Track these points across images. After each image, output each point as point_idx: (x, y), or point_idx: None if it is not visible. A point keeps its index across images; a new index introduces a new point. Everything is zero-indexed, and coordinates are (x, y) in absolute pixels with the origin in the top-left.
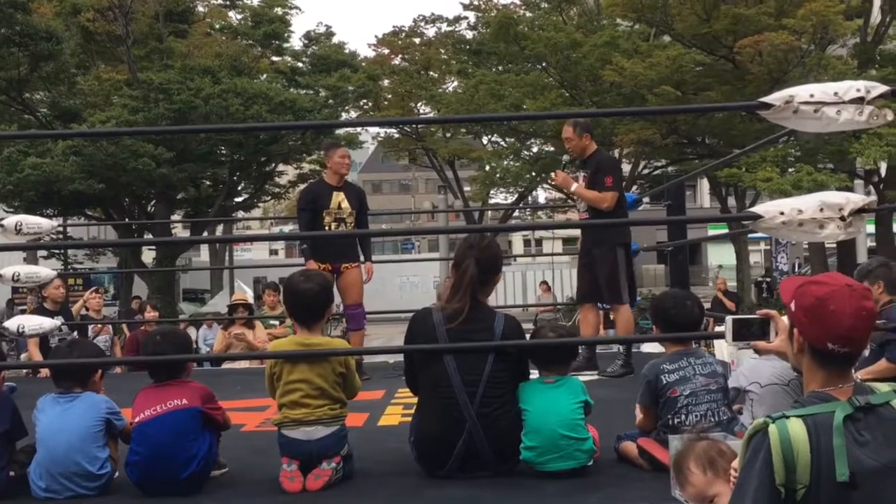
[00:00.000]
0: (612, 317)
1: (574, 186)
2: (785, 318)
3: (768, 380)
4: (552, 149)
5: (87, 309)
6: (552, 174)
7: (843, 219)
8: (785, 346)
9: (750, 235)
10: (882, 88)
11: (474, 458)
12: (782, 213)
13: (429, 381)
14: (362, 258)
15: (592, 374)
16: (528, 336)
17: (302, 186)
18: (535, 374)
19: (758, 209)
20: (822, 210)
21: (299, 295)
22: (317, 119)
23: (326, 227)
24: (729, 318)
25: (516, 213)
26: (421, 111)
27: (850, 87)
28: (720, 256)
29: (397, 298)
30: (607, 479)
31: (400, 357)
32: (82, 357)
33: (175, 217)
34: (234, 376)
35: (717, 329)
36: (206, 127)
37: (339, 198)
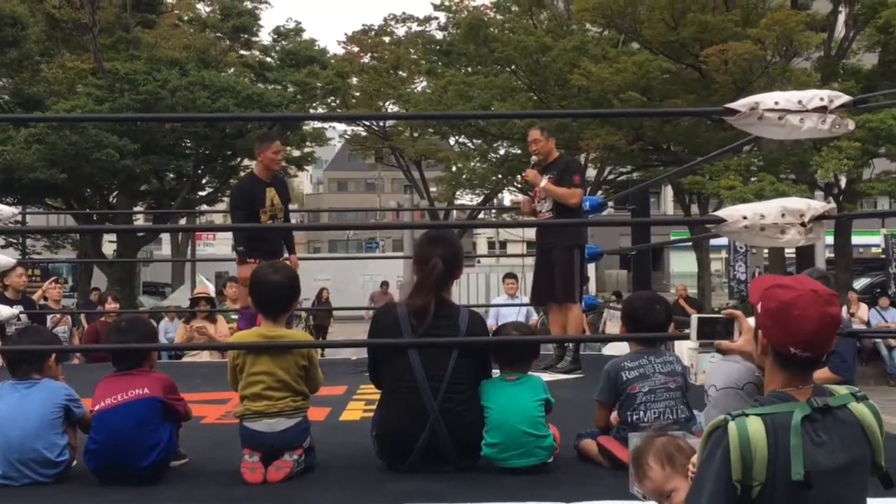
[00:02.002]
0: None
1: (543, 182)
2: (750, 319)
3: (723, 383)
4: (519, 151)
5: (46, 299)
6: (524, 172)
7: (803, 225)
8: (749, 346)
9: (711, 242)
10: (844, 98)
11: (436, 453)
12: (745, 217)
13: (392, 375)
14: (286, 253)
15: (543, 372)
16: (492, 333)
17: (238, 180)
18: (496, 372)
19: (721, 213)
20: (783, 215)
21: (266, 286)
22: (284, 114)
23: None
24: (694, 317)
25: (481, 214)
26: (389, 110)
27: (814, 96)
28: (682, 263)
29: (360, 297)
30: (567, 475)
31: (363, 354)
32: (34, 343)
33: (137, 209)
34: (196, 369)
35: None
36: (171, 116)
37: (271, 194)
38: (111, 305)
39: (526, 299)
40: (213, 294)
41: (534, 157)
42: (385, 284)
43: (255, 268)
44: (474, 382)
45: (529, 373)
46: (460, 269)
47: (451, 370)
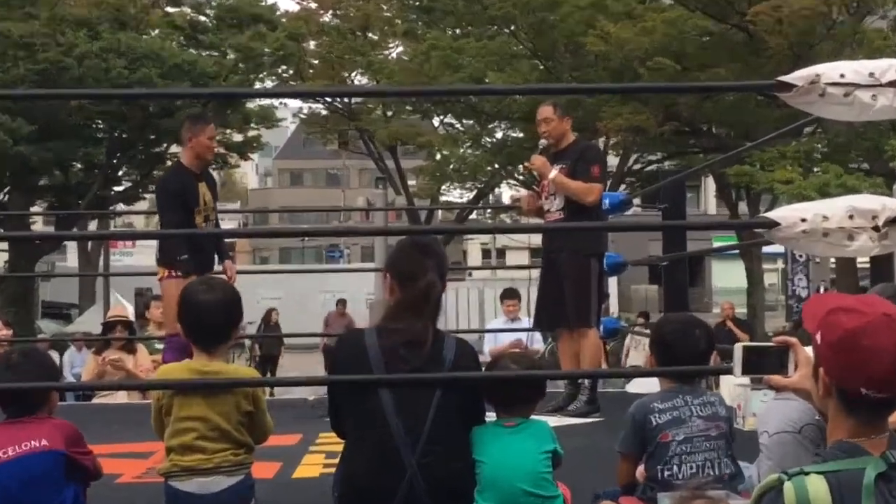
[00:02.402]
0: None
1: (553, 173)
2: (809, 349)
3: (777, 426)
4: (521, 134)
5: None
6: (529, 160)
7: (877, 229)
8: (807, 383)
9: (764, 250)
10: None
11: None
12: (804, 220)
13: (359, 421)
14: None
15: (551, 415)
16: (484, 368)
17: (167, 172)
18: (491, 416)
19: (774, 215)
20: (851, 217)
21: (199, 309)
22: (222, 88)
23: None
24: (738, 347)
25: (474, 215)
26: (356, 82)
27: (890, 67)
28: (728, 276)
29: (319, 319)
30: None
31: (322, 392)
32: None
33: (35, 209)
34: (110, 413)
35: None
36: (76, 92)
37: (203, 189)
38: (1, 332)
39: (530, 322)
40: (132, 317)
41: (542, 141)
42: (342, 303)
43: (184, 285)
44: (463, 429)
45: (533, 417)
46: (444, 286)
47: (433, 414)
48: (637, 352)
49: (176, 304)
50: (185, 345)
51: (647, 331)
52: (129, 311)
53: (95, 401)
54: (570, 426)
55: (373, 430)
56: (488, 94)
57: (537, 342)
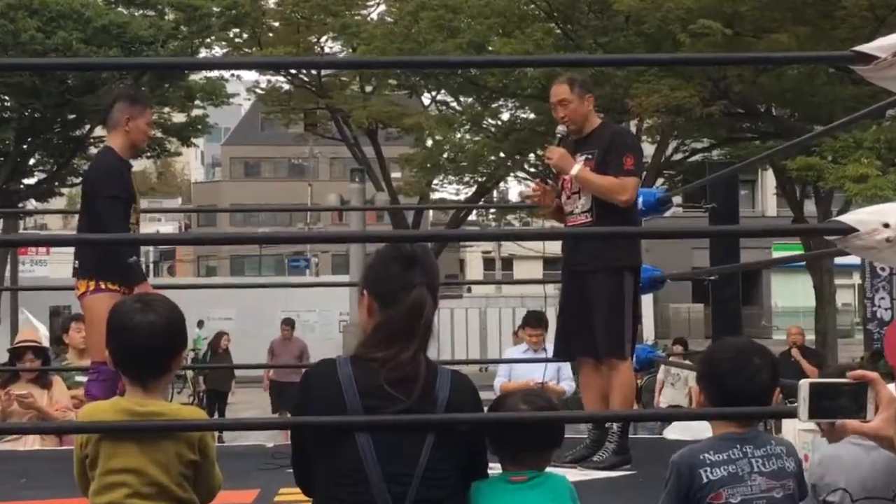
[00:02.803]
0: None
1: (576, 168)
2: (893, 386)
3: (862, 488)
4: (532, 115)
5: None
6: (546, 152)
7: None
8: (890, 429)
9: (837, 262)
10: None
11: None
12: (887, 226)
13: (332, 474)
14: None
15: (570, 467)
16: (487, 408)
17: (101, 157)
18: (496, 468)
19: (850, 218)
20: None
21: (133, 334)
22: (160, 56)
23: (131, 230)
24: (804, 384)
25: (473, 216)
26: (327, 51)
27: None
28: (791, 294)
29: None
30: None
31: (283, 439)
32: None
33: None
34: (17, 462)
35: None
36: None
37: (134, 182)
38: None
39: (563, 371)
40: (45, 342)
41: (560, 128)
42: (287, 325)
43: (113, 304)
44: (460, 485)
45: (548, 469)
46: (436, 304)
47: (423, 467)
48: (674, 389)
49: (104, 325)
50: (115, 376)
51: (686, 362)
52: (42, 335)
53: (4, 446)
54: (594, 481)
55: (348, 486)
56: (492, 66)
57: (565, 380)
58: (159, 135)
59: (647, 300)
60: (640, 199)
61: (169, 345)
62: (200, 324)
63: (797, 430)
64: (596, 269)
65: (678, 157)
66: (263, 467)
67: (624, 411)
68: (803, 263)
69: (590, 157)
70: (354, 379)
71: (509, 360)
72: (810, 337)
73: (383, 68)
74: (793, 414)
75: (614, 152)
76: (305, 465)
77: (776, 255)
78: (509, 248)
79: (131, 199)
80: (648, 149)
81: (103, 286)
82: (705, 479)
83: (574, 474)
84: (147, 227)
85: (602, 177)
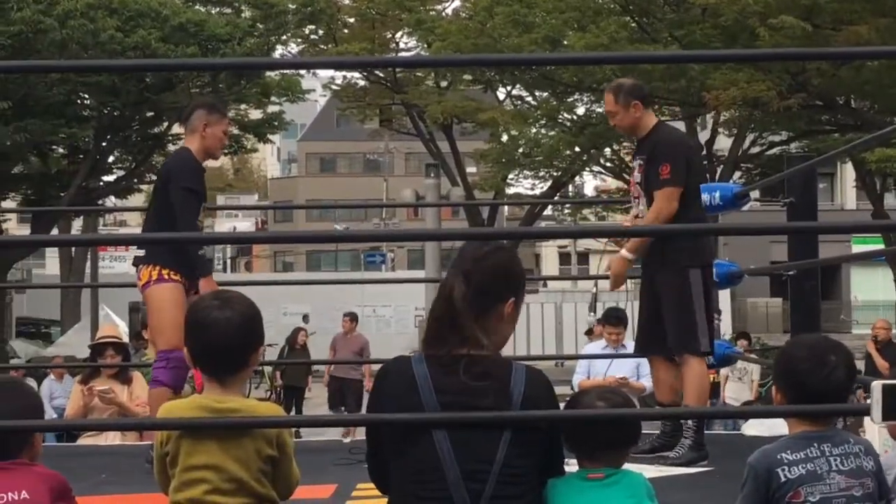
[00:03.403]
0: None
1: (623, 252)
2: None
3: None
4: None
5: None
6: (624, 217)
7: None
8: None
9: None
10: None
11: None
12: None
13: (408, 471)
14: None
15: (651, 464)
16: (563, 405)
17: (180, 155)
18: (572, 465)
19: None
20: None
21: (209, 330)
22: (237, 53)
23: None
24: (877, 385)
25: (549, 211)
26: (402, 46)
27: None
28: (871, 287)
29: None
30: None
31: (361, 434)
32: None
33: (7, 204)
34: (98, 457)
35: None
36: (59, 64)
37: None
38: None
39: (642, 368)
40: (125, 338)
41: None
42: (350, 318)
43: (193, 301)
44: (537, 482)
45: (626, 466)
46: (510, 295)
47: (500, 463)
48: (741, 383)
49: (169, 313)
50: (184, 363)
51: (752, 356)
52: (122, 331)
53: (81, 441)
54: (671, 478)
55: (425, 483)
56: (564, 62)
57: (644, 377)
58: (236, 131)
59: (724, 295)
60: (718, 194)
61: (246, 341)
62: (306, 318)
63: (878, 428)
64: (663, 268)
65: (756, 149)
66: (340, 462)
67: (700, 408)
68: (883, 257)
69: (641, 162)
70: (430, 376)
71: (588, 355)
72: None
73: (453, 65)
74: (867, 412)
75: (654, 164)
76: (381, 462)
77: (856, 248)
78: (585, 242)
79: (203, 198)
80: (725, 142)
81: (166, 276)
82: (783, 479)
83: (651, 471)
84: (224, 223)
85: (645, 222)
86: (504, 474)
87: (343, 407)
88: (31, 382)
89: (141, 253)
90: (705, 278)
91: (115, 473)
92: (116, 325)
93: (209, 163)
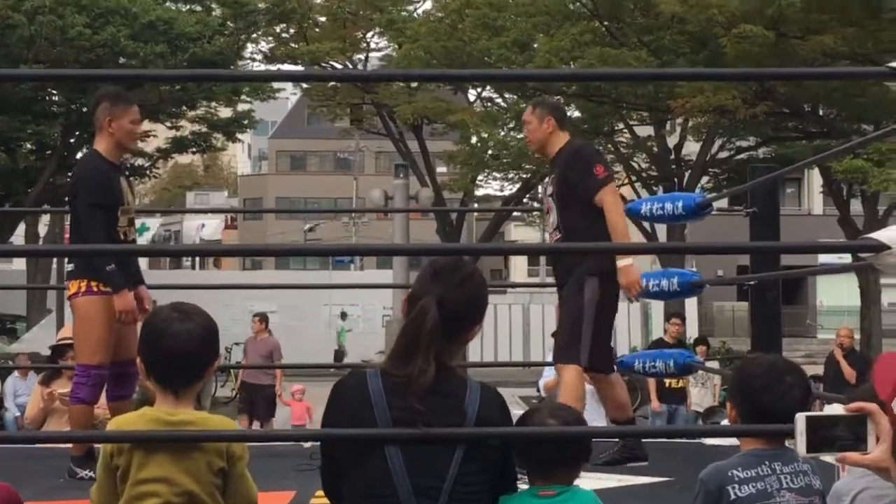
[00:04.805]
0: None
1: (620, 263)
2: None
3: None
4: (578, 113)
5: None
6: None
7: None
8: (889, 460)
9: None
10: None
11: None
12: None
13: (360, 486)
14: None
15: (611, 474)
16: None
17: (84, 162)
18: (524, 483)
19: (882, 236)
20: None
21: (169, 340)
22: (207, 52)
23: (121, 236)
24: (800, 418)
25: (516, 214)
26: (372, 46)
27: None
28: (837, 293)
29: (324, 343)
30: None
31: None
32: None
33: None
34: (58, 460)
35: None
36: (28, 73)
37: (124, 185)
38: None
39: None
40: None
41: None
42: (261, 318)
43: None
44: (489, 499)
45: (576, 483)
46: (475, 321)
47: (452, 480)
48: (704, 388)
49: (96, 328)
50: (103, 381)
51: (713, 365)
52: None
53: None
54: (630, 488)
55: (376, 498)
56: (529, 78)
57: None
58: (205, 130)
59: (691, 299)
60: (681, 204)
61: (205, 353)
62: (343, 316)
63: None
64: (569, 276)
65: (724, 154)
66: (300, 468)
67: (659, 428)
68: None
69: (554, 176)
70: (384, 391)
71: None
72: (855, 337)
73: (426, 81)
74: (788, 435)
75: (583, 169)
76: (334, 476)
77: (821, 259)
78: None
79: (118, 202)
80: (693, 146)
81: (95, 288)
82: (733, 496)
83: (611, 480)
84: (193, 220)
85: (614, 230)
86: (457, 491)
87: (250, 414)
88: None
89: (71, 267)
90: (607, 286)
91: (74, 479)
92: None
93: (179, 159)
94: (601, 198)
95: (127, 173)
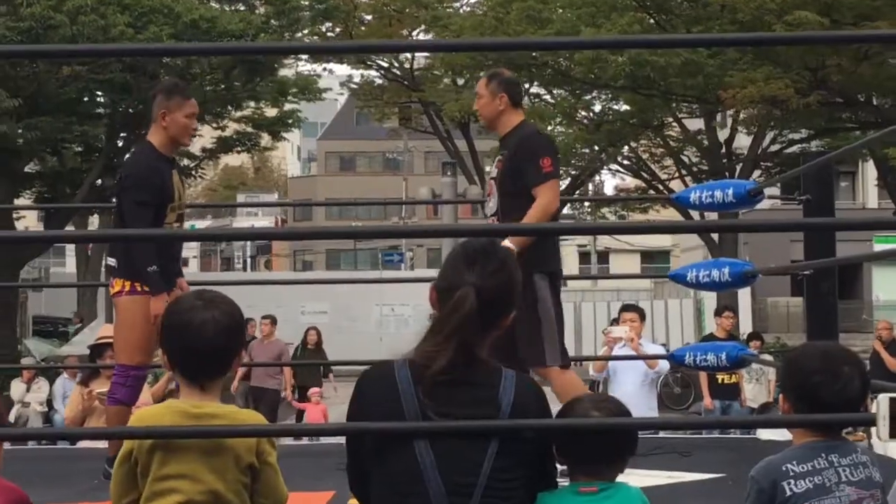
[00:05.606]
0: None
1: (507, 242)
2: None
3: None
4: (626, 107)
5: None
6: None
7: None
8: None
9: None
10: None
11: None
12: None
13: (388, 484)
14: None
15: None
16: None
17: (135, 155)
18: (563, 479)
19: None
20: None
21: (194, 331)
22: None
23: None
24: (883, 399)
25: (567, 210)
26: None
27: None
28: (892, 287)
29: (374, 340)
30: None
31: None
32: None
33: (21, 202)
34: (94, 461)
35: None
36: (66, 48)
37: (176, 180)
38: None
39: (653, 347)
40: None
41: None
42: (269, 321)
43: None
44: (525, 496)
45: (621, 478)
46: (510, 310)
47: (486, 476)
48: (758, 384)
49: (137, 328)
50: (141, 382)
51: (767, 357)
52: None
53: (84, 444)
54: (683, 485)
55: (406, 496)
56: (576, 47)
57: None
58: (250, 130)
59: (743, 294)
60: (731, 191)
61: (231, 344)
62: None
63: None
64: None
65: (776, 147)
66: (341, 468)
67: (711, 418)
68: None
69: (500, 158)
70: (413, 382)
71: (602, 357)
72: None
73: (472, 51)
74: (870, 423)
75: (529, 157)
76: (361, 473)
77: (877, 247)
78: (605, 241)
79: (167, 199)
80: (745, 140)
81: (138, 288)
82: (789, 492)
83: (662, 477)
84: (243, 222)
85: (527, 218)
86: (491, 487)
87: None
88: (43, 383)
89: (113, 262)
90: (553, 286)
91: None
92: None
93: (229, 160)
94: (538, 191)
95: (179, 168)
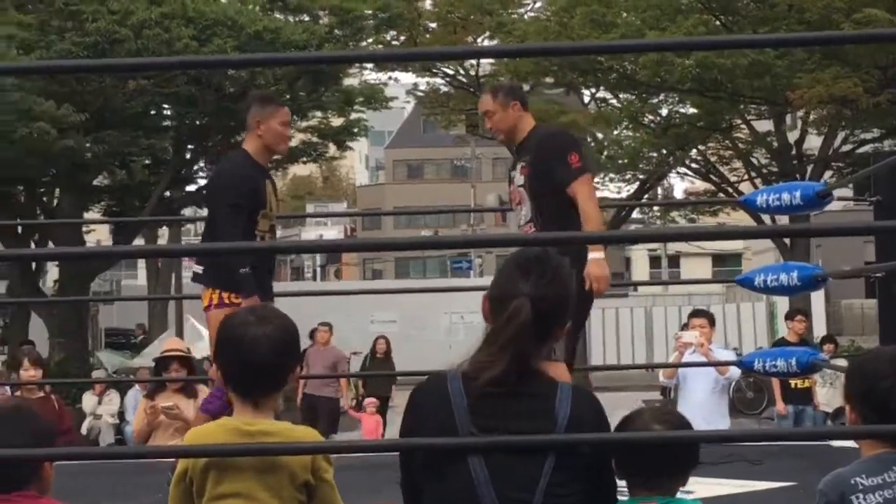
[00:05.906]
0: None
1: (592, 255)
2: None
3: None
4: (693, 110)
5: None
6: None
7: None
8: None
9: None
10: None
11: None
12: None
13: (441, 499)
14: None
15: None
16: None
17: (229, 160)
18: (623, 494)
19: None
20: None
21: (247, 347)
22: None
23: (260, 241)
24: None
25: (637, 214)
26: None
27: None
28: None
29: (443, 348)
30: None
31: None
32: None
33: (90, 216)
34: (158, 475)
35: None
36: (132, 62)
37: (269, 189)
38: (29, 373)
39: (724, 353)
40: (196, 351)
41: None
42: (325, 328)
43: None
44: None
45: (682, 493)
46: (565, 321)
47: (542, 492)
48: (832, 388)
49: None
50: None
51: (840, 362)
52: (196, 344)
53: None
54: (751, 494)
55: None
56: (642, 49)
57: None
58: (316, 140)
59: (817, 296)
60: (799, 193)
61: (285, 360)
62: None
63: None
64: None
65: (847, 148)
66: (398, 481)
67: (775, 431)
68: None
69: (524, 164)
70: (465, 395)
71: (671, 364)
72: None
73: (539, 56)
74: None
75: (556, 156)
76: (414, 490)
77: None
78: (676, 245)
79: (260, 205)
80: (815, 141)
81: (227, 300)
82: None
83: (732, 486)
84: (312, 231)
85: (587, 223)
86: None
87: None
88: (114, 395)
89: (199, 269)
90: (580, 281)
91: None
92: (202, 337)
93: (298, 171)
94: (574, 189)
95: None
